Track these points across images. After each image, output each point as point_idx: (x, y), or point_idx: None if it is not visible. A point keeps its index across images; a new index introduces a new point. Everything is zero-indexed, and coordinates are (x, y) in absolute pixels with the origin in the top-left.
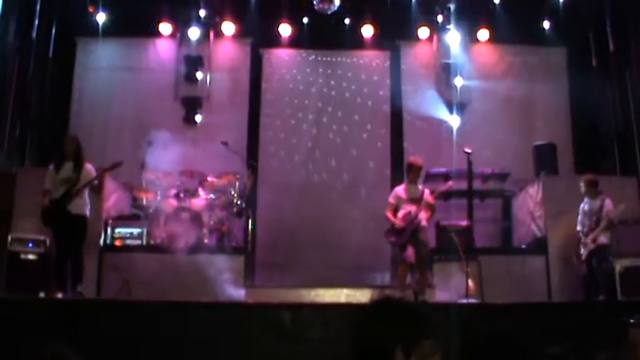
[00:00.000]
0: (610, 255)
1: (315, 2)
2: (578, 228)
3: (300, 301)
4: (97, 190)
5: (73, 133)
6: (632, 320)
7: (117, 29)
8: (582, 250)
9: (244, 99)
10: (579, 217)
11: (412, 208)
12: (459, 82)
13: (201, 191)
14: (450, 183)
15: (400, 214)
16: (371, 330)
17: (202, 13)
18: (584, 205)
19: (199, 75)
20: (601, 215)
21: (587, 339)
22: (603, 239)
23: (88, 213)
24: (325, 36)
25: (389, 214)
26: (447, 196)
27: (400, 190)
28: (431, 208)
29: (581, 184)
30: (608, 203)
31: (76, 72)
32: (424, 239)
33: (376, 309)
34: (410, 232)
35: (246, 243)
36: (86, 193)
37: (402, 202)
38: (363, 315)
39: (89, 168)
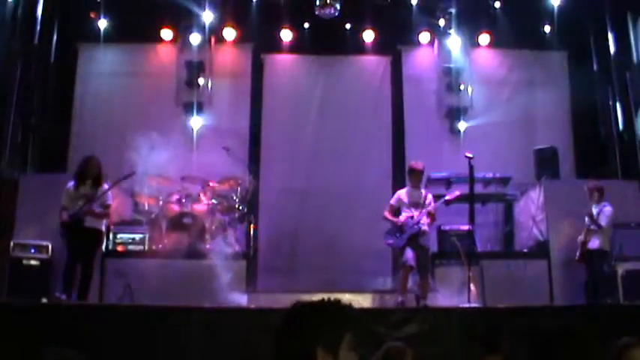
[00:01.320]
0: (611, 259)
1: (316, 7)
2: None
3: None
4: (104, 213)
5: (95, 155)
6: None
7: (118, 35)
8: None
9: (246, 104)
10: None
11: (414, 213)
12: (460, 86)
13: (202, 196)
14: (457, 193)
15: (402, 217)
16: (286, 336)
17: (204, 18)
18: (588, 210)
19: (201, 80)
20: (597, 220)
21: (590, 343)
22: (596, 242)
23: (103, 227)
24: (326, 41)
25: (387, 215)
26: (448, 201)
27: (403, 193)
28: (432, 215)
29: (586, 191)
30: (605, 211)
31: (77, 77)
32: (425, 244)
33: (288, 316)
34: (408, 236)
35: (248, 248)
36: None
37: (403, 205)
38: (279, 323)
39: (105, 188)
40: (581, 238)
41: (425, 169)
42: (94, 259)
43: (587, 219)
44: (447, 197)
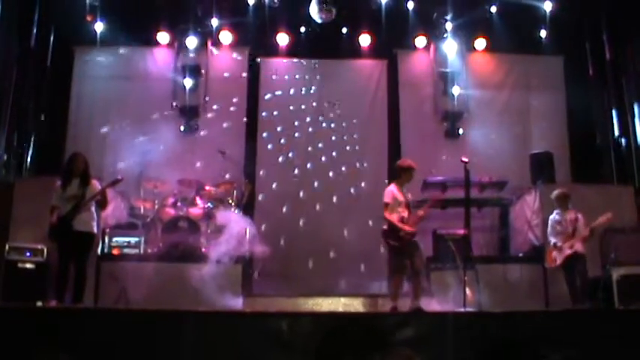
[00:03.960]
0: (586, 263)
1: (312, 11)
2: (552, 240)
3: (298, 310)
4: (101, 205)
5: (81, 151)
6: None
7: (115, 38)
8: (557, 258)
9: (242, 108)
10: (549, 229)
11: (405, 213)
12: (456, 91)
13: (198, 200)
14: (431, 201)
15: (395, 217)
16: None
17: (201, 21)
18: (555, 216)
19: (197, 84)
20: (577, 226)
21: (586, 347)
22: (581, 247)
23: (95, 229)
24: (322, 45)
25: (391, 217)
26: (444, 204)
27: (396, 191)
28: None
29: (554, 198)
30: (581, 217)
31: (73, 81)
32: (419, 245)
33: (329, 339)
34: (407, 240)
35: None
36: (93, 208)
37: (397, 204)
38: (321, 346)
39: (95, 184)
40: (567, 244)
41: None
42: (87, 262)
43: (562, 227)
44: (425, 208)
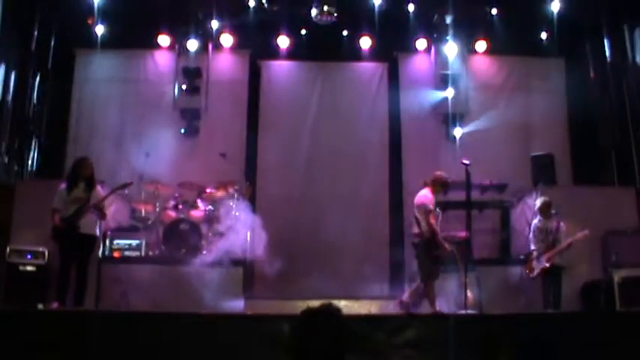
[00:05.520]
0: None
1: (313, 14)
2: (533, 247)
3: (299, 312)
4: (101, 216)
5: (88, 156)
6: None
7: (116, 41)
8: (535, 267)
9: (243, 110)
10: (530, 236)
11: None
12: (456, 93)
13: (199, 202)
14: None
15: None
16: (307, 340)
17: (202, 24)
18: (538, 224)
19: (198, 86)
20: (557, 237)
21: (587, 349)
22: (559, 260)
23: (98, 232)
24: (323, 47)
25: (435, 226)
26: (445, 207)
27: (433, 198)
28: None
29: (538, 205)
30: (562, 226)
31: (75, 83)
32: None
33: (308, 320)
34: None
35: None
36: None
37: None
38: (298, 325)
39: (99, 190)
40: (545, 257)
41: None
42: (89, 265)
43: (543, 236)
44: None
